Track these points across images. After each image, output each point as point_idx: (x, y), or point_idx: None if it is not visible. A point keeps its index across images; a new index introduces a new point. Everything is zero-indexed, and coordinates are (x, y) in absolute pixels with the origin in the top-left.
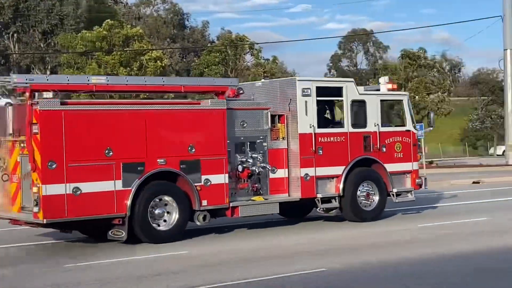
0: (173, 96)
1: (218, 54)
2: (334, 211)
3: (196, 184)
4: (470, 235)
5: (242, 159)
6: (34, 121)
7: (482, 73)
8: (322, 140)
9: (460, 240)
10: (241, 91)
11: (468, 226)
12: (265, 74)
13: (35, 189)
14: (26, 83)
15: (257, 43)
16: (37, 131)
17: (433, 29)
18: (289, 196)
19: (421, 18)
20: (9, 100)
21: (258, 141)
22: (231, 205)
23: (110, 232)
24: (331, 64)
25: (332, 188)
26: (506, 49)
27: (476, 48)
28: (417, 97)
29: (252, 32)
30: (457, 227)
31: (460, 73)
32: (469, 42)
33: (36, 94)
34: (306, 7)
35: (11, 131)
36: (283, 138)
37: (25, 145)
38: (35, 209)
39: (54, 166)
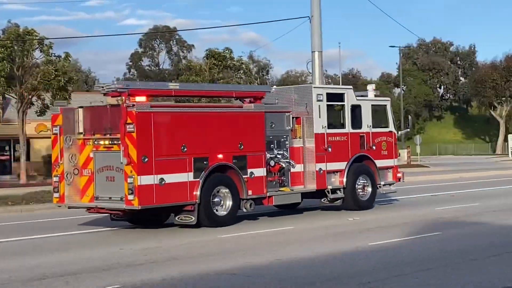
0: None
1: (3, 49)
2: (339, 201)
3: (244, 176)
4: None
5: (271, 155)
6: (129, 121)
7: (291, 75)
8: (331, 139)
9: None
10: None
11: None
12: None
13: (130, 180)
14: (124, 88)
15: (47, 38)
16: (132, 129)
17: (241, 29)
18: (304, 187)
19: (228, 17)
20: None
21: (282, 139)
22: (268, 195)
23: (177, 217)
24: (131, 63)
25: (337, 181)
26: (314, 51)
27: (284, 50)
28: None
29: (43, 26)
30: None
31: (268, 76)
32: (277, 43)
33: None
34: (102, 1)
35: (81, 130)
36: (299, 137)
37: (99, 142)
38: (130, 197)
39: (146, 160)
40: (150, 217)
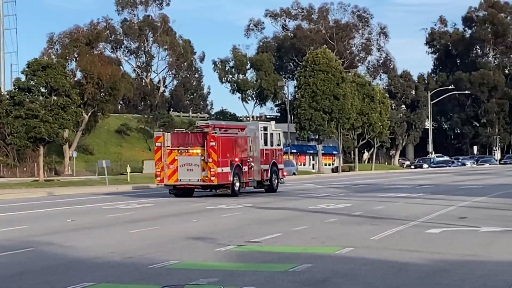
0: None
1: None
2: (264, 187)
3: (244, 170)
4: None
5: (249, 161)
6: (213, 141)
7: None
8: (264, 152)
9: None
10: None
11: None
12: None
13: (212, 170)
14: (211, 125)
15: None
16: (214, 144)
17: None
18: (261, 179)
19: None
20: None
21: (250, 152)
22: (248, 181)
23: (218, 190)
24: None
25: (265, 176)
26: None
27: None
28: None
29: None
30: None
31: None
32: None
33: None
34: None
35: (168, 144)
36: (253, 151)
37: (184, 151)
38: (212, 178)
39: (219, 160)
40: (188, 192)
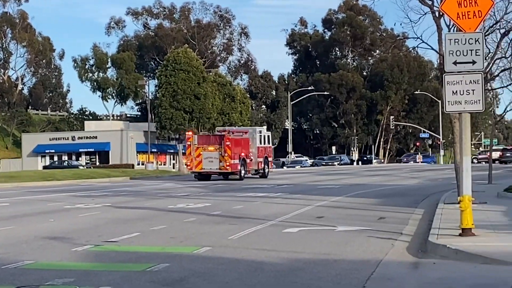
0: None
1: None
2: (258, 174)
3: (247, 162)
4: None
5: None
6: (228, 141)
7: None
8: (260, 148)
9: None
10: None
11: None
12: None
13: (228, 161)
14: (227, 129)
15: None
16: (229, 144)
17: None
18: (257, 168)
19: None
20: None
21: (251, 149)
22: (249, 169)
23: (229, 176)
24: None
25: (260, 166)
26: None
27: None
28: None
29: None
30: None
31: None
32: None
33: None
34: None
35: (196, 143)
36: (253, 147)
37: (207, 149)
38: (227, 167)
39: (232, 154)
40: (208, 177)
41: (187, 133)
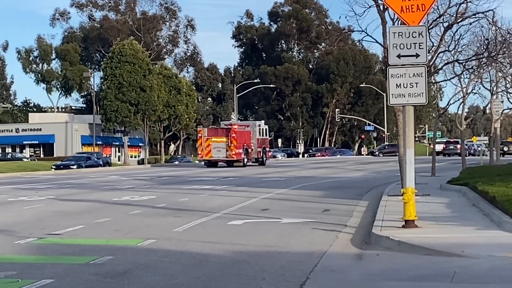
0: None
1: None
2: (258, 162)
3: (249, 151)
4: None
5: (252, 145)
6: (234, 133)
7: None
8: (259, 140)
9: None
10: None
11: None
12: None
13: (233, 151)
14: (233, 123)
15: None
16: (235, 136)
17: None
18: (257, 157)
19: None
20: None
21: (252, 140)
22: (251, 158)
23: (234, 163)
24: None
25: (259, 155)
26: None
27: None
28: None
29: None
30: None
31: None
32: None
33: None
34: None
35: (206, 135)
36: (253, 139)
37: (216, 140)
38: (233, 155)
39: (237, 144)
40: (215, 164)
41: (198, 127)
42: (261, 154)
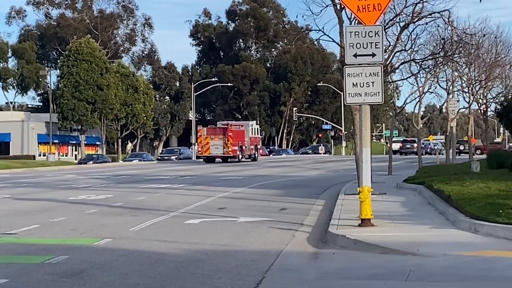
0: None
1: None
2: (250, 158)
3: (243, 148)
4: None
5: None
6: (230, 132)
7: None
8: (252, 138)
9: None
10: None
11: None
12: None
13: (230, 148)
14: (228, 124)
15: None
16: (231, 134)
17: None
18: (250, 154)
19: None
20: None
21: (245, 138)
22: (245, 154)
23: (229, 159)
24: None
25: (252, 152)
26: None
27: None
28: None
29: None
30: None
31: None
32: None
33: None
34: None
35: (205, 134)
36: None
37: (214, 138)
38: (230, 152)
39: (233, 142)
40: (213, 160)
41: (198, 127)
42: (254, 151)
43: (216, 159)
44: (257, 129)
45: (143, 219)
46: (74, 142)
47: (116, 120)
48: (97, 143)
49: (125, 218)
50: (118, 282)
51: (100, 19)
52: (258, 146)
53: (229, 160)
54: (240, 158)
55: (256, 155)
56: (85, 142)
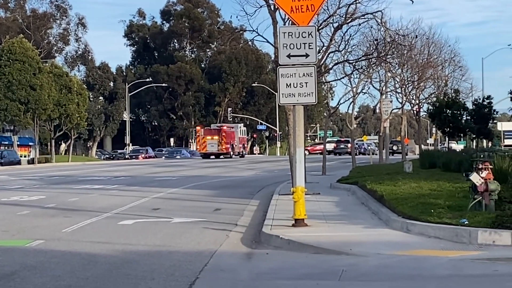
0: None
1: None
2: (239, 155)
3: (234, 146)
4: None
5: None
6: (223, 133)
7: None
8: (241, 138)
9: None
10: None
11: None
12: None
13: (224, 146)
14: (222, 125)
15: None
16: (224, 134)
17: None
18: (239, 151)
19: None
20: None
21: (235, 138)
22: (235, 151)
23: (222, 156)
24: None
25: (240, 149)
26: None
27: None
28: None
29: None
30: None
31: None
32: None
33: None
34: None
35: (202, 134)
36: (236, 137)
37: (210, 138)
38: (224, 149)
39: (226, 141)
40: (209, 156)
41: (197, 127)
42: (242, 149)
43: (211, 155)
44: (245, 130)
45: (76, 220)
46: (6, 142)
47: (50, 120)
48: (30, 144)
49: (58, 219)
50: (50, 284)
51: (32, 18)
52: (246, 145)
53: (222, 156)
54: (231, 155)
55: (244, 152)
56: (18, 143)
